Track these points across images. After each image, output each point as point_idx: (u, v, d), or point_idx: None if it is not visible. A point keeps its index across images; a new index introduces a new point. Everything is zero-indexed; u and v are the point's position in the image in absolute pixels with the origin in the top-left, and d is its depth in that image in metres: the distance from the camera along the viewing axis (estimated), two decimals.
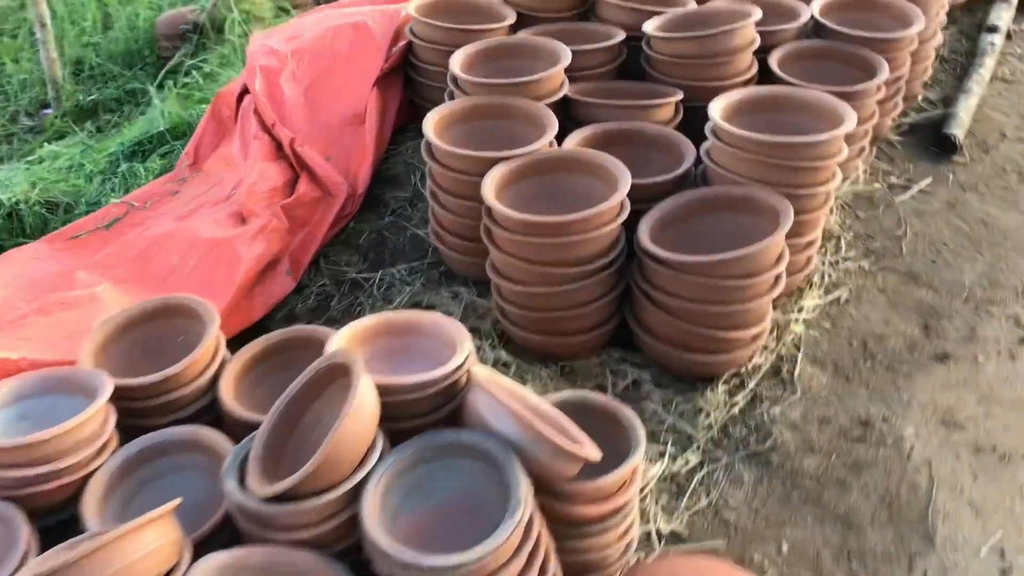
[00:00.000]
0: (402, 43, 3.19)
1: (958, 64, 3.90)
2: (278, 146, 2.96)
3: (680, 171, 2.51)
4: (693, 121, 2.72)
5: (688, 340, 2.30)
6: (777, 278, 2.30)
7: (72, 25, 6.81)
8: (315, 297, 2.75)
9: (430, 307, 2.66)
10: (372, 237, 2.95)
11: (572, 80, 2.96)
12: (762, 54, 3.05)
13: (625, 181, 2.33)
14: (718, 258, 2.17)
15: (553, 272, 2.29)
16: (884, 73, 2.93)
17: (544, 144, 2.54)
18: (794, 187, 2.39)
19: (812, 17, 3.16)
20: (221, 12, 6.09)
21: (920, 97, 3.63)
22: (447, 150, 2.48)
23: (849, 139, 2.95)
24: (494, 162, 2.43)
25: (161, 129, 3.52)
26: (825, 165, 2.39)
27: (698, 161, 2.57)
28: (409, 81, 3.26)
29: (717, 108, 2.52)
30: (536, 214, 2.27)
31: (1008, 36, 4.05)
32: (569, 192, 2.46)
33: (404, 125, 3.32)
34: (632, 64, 3.10)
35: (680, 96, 2.84)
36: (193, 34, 5.97)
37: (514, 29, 3.18)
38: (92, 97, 5.93)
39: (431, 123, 2.58)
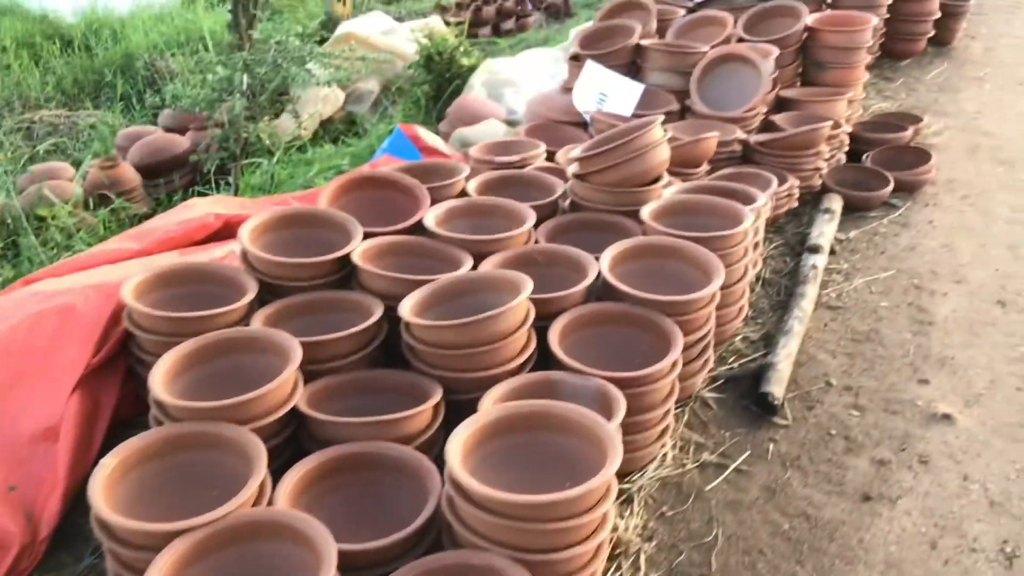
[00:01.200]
0: (121, 327, 2.66)
1: (781, 287, 3.60)
2: None
3: (416, 526, 2.00)
4: (461, 420, 2.24)
5: None
6: None
7: None
8: None
9: None
10: None
11: (317, 374, 2.49)
12: (545, 321, 2.65)
13: (330, 558, 1.81)
14: None
15: None
16: (677, 347, 2.55)
17: (250, 492, 2.01)
18: (549, 551, 1.91)
19: (600, 275, 2.79)
20: (34, 208, 5.48)
21: (739, 336, 3.28)
22: (118, 524, 1.92)
23: (640, 426, 2.56)
24: (180, 532, 1.89)
25: None
26: (585, 522, 1.92)
27: None
28: (132, 372, 2.72)
29: (457, 444, 2.04)
30: None
31: (832, 252, 3.79)
32: (274, 567, 1.93)
33: (130, 420, 2.76)
34: (398, 342, 2.65)
35: (437, 399, 2.38)
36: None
37: (259, 302, 2.70)
38: None
39: (104, 474, 2.03)
